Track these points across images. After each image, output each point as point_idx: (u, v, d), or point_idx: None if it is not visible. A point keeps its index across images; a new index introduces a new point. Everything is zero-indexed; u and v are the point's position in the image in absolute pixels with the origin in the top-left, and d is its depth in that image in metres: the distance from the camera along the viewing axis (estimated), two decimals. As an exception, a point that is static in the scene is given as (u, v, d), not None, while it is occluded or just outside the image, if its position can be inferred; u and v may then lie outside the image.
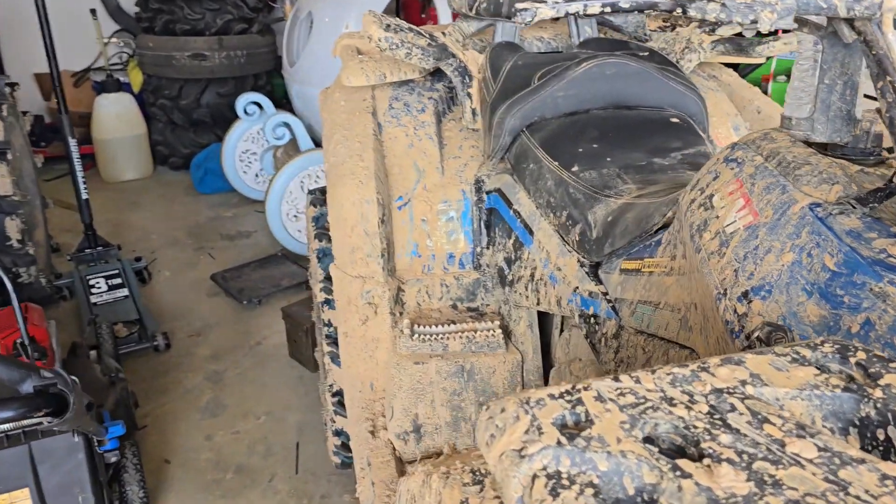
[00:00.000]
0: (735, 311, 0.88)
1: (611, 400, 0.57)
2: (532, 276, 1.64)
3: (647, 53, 1.91)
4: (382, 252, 1.74)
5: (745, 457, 0.52)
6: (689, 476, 0.50)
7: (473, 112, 1.95)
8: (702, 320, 1.04)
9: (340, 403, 1.98)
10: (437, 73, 2.09)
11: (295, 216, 3.71)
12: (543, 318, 1.80)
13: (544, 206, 1.62)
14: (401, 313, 1.82)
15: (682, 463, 0.51)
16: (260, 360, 2.98)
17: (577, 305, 1.45)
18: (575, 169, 1.59)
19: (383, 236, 1.75)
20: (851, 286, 0.78)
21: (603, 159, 1.61)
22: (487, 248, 1.88)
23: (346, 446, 2.06)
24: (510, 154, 1.80)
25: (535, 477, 0.52)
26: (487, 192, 1.87)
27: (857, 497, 0.48)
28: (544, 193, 1.62)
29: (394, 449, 1.70)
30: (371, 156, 1.82)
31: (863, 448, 0.58)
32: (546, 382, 1.72)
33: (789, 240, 0.87)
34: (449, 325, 1.77)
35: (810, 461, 0.51)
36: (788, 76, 3.43)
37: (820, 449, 0.52)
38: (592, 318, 1.40)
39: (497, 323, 1.76)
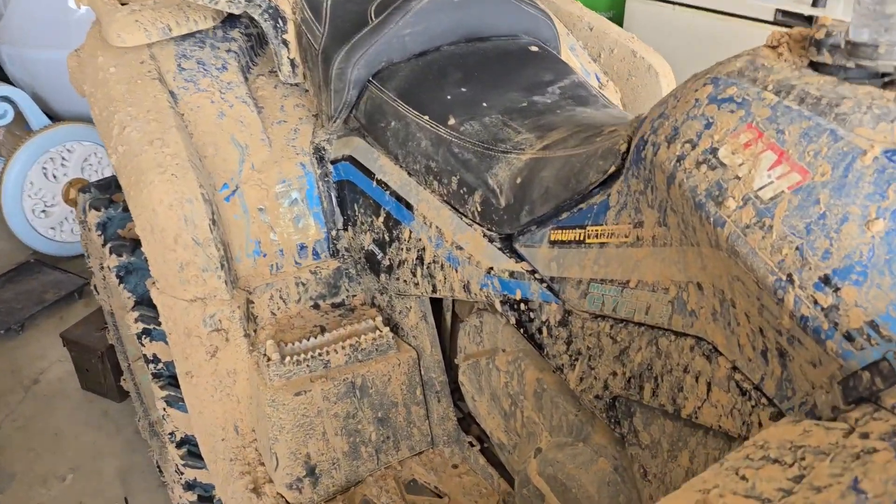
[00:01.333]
0: (815, 302, 0.68)
1: None
2: (420, 258, 1.35)
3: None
4: (221, 262, 1.34)
5: None
6: None
7: (293, 63, 1.56)
8: (717, 305, 0.84)
9: (192, 454, 1.56)
10: (227, 20, 1.65)
11: (43, 211, 3.00)
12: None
13: (422, 172, 1.33)
14: (255, 331, 1.44)
15: None
16: (44, 403, 2.38)
17: (496, 290, 1.20)
18: (452, 122, 1.31)
19: (219, 241, 1.34)
20: None
21: (479, 106, 1.34)
22: (345, 229, 1.54)
23: (204, 499, 1.66)
24: (358, 112, 1.46)
25: None
26: (333, 162, 1.52)
27: None
28: (420, 157, 1.33)
29: (287, 503, 1.36)
30: (177, 137, 1.37)
31: None
32: (450, 377, 1.46)
33: (871, 202, 0.68)
34: (322, 334, 1.43)
35: None
36: (573, -13, 3.34)
37: None
38: (523, 304, 1.15)
39: (380, 319, 1.46)
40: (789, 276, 0.71)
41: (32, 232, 3.00)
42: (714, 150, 0.81)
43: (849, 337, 0.66)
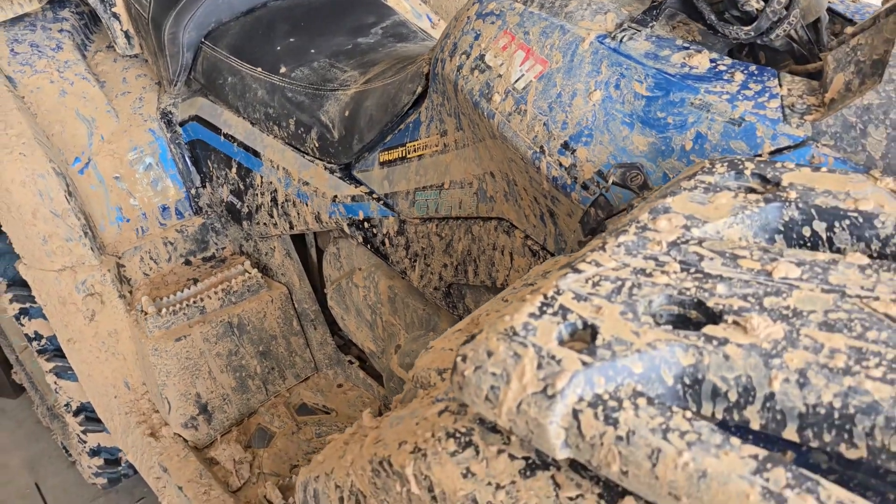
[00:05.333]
0: (560, 164, 0.85)
1: (591, 294, 0.50)
2: (274, 200, 1.46)
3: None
4: (84, 230, 1.41)
5: (752, 300, 0.48)
6: (726, 342, 0.45)
7: (127, 35, 1.62)
8: (506, 187, 1.01)
9: (91, 419, 1.64)
10: (55, 1, 1.68)
11: None
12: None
13: (262, 119, 1.43)
14: (130, 292, 1.53)
15: (711, 330, 0.46)
16: (-64, 412, 2.36)
17: (343, 215, 1.33)
18: (283, 71, 1.42)
19: (78, 211, 1.41)
20: (671, 106, 0.79)
21: (307, 53, 1.45)
22: (203, 186, 1.63)
23: (110, 462, 1.75)
24: (197, 73, 1.54)
25: (576, 413, 0.43)
26: (181, 124, 1.60)
27: (858, 296, 0.48)
28: (258, 106, 1.43)
29: (185, 441, 1.47)
30: (19, 118, 1.42)
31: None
32: (322, 304, 1.60)
33: (591, 78, 0.85)
34: (195, 283, 1.53)
35: (801, 279, 0.50)
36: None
37: (798, 264, 0.51)
38: (366, 223, 1.30)
39: (248, 263, 1.57)
40: (541, 147, 0.88)
41: None
42: (482, 56, 0.97)
43: (585, 186, 0.84)
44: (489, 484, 0.48)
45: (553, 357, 0.45)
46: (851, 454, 0.41)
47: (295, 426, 1.51)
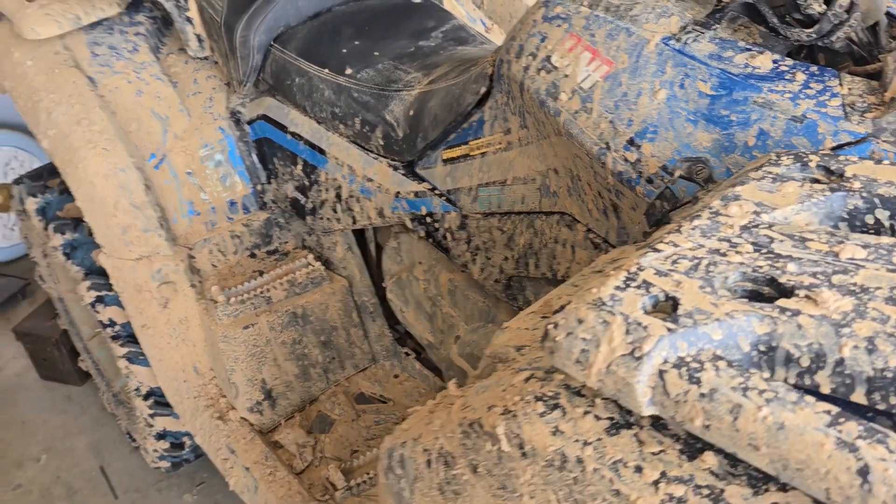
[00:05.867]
0: (626, 160, 0.90)
1: (671, 271, 0.55)
2: (338, 195, 1.53)
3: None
4: (160, 221, 1.50)
5: (821, 277, 0.53)
6: (799, 313, 0.50)
7: (199, 38, 1.70)
8: (569, 182, 1.06)
9: (160, 403, 1.73)
10: (132, 6, 1.77)
11: (-27, 220, 3.04)
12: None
13: (329, 119, 1.50)
14: (200, 282, 1.61)
15: (784, 303, 0.51)
16: (6, 398, 2.48)
17: (406, 210, 1.39)
18: (349, 72, 1.49)
19: (155, 203, 1.49)
20: (734, 104, 0.83)
21: (371, 55, 1.52)
22: (269, 182, 1.71)
23: (175, 446, 1.83)
24: (266, 74, 1.62)
25: (662, 373, 0.48)
26: (249, 123, 1.68)
27: (922, 275, 0.52)
28: (325, 105, 1.50)
29: (251, 424, 1.54)
30: (101, 116, 1.51)
31: (856, 236, 0.63)
32: (381, 298, 1.66)
33: (656, 77, 0.89)
34: (261, 275, 1.61)
35: (867, 260, 0.54)
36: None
37: (864, 247, 0.55)
38: (428, 218, 1.35)
39: (311, 257, 1.64)
40: (607, 144, 0.92)
41: (-36, 241, 3.04)
42: (548, 58, 1.02)
43: (649, 180, 0.88)
44: (577, 441, 0.53)
45: (639, 324, 0.50)
46: (916, 415, 0.45)
47: (354, 414, 1.57)
